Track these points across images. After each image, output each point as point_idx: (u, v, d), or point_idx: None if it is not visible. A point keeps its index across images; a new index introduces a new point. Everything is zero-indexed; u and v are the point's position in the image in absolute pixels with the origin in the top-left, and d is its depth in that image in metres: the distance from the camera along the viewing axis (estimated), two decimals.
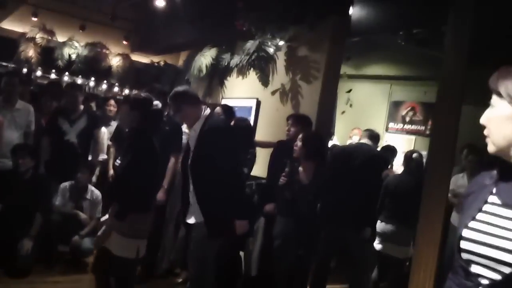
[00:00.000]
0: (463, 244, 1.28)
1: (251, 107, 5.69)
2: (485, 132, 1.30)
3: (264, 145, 4.58)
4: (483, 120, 1.30)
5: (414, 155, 4.54)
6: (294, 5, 4.70)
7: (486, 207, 1.29)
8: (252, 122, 5.59)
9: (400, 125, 7.99)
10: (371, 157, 4.11)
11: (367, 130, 4.43)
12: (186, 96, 3.18)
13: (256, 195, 4.51)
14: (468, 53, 3.09)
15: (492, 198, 1.30)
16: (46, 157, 4.75)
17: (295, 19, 4.75)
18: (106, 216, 3.16)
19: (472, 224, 1.29)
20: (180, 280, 4.61)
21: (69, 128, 4.82)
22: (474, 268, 1.26)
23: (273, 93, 5.29)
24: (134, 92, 3.46)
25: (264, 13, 4.88)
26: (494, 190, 1.31)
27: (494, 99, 1.28)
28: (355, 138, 8.23)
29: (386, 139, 7.92)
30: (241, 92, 5.96)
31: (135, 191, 2.98)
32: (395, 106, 8.10)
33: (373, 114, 8.02)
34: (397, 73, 7.72)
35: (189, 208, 3.21)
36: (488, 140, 1.30)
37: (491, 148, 1.29)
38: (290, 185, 3.74)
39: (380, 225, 4.39)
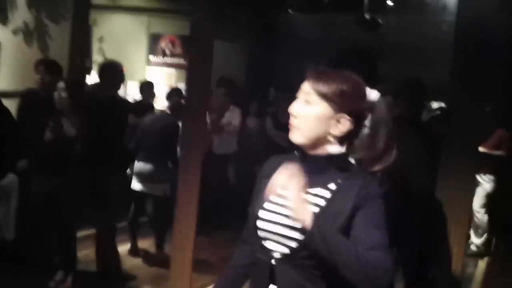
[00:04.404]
0: (259, 224, 1.43)
1: None
2: (295, 122, 1.40)
3: (9, 95, 4.06)
4: (295, 112, 1.40)
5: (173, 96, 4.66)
6: None
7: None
8: None
9: (160, 58, 8.02)
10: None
11: None
12: None
13: None
14: None
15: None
16: None
17: None
18: None
19: (266, 205, 1.44)
20: None
21: None
22: (268, 244, 1.42)
23: (15, 32, 4.66)
24: None
25: None
26: None
27: (313, 97, 1.38)
28: None
29: (148, 73, 7.90)
30: None
31: None
32: (155, 39, 8.04)
33: (133, 47, 7.83)
34: (154, 6, 7.61)
35: None
36: (295, 131, 1.41)
37: (298, 140, 1.41)
38: (56, 140, 3.45)
39: (137, 165, 4.45)
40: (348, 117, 1.39)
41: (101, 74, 3.94)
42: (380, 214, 1.35)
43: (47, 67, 3.83)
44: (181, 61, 7.81)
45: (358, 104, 1.41)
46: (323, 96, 1.38)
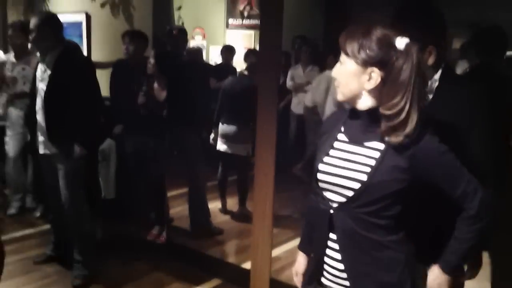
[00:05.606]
0: (320, 176, 1.55)
1: (81, 23, 5.31)
2: (336, 83, 1.52)
3: (102, 65, 4.39)
4: (334, 73, 1.52)
5: (250, 57, 4.72)
6: None
7: (336, 144, 1.56)
8: (85, 38, 5.28)
9: (239, 21, 8.12)
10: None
11: None
12: None
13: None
14: None
15: (341, 136, 1.57)
16: None
17: None
18: None
19: (326, 159, 1.55)
20: (38, 214, 4.55)
21: None
22: (328, 194, 1.54)
23: (103, 5, 4.97)
24: None
25: None
26: (342, 129, 1.57)
27: (343, 57, 1.47)
28: (198, 38, 8.24)
29: (228, 37, 8.05)
30: (68, 5, 5.47)
31: None
32: (233, 2, 8.13)
33: (212, 12, 7.99)
34: None
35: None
36: (338, 90, 1.52)
37: (340, 97, 1.52)
38: (148, 103, 3.76)
39: (222, 127, 4.65)
40: (379, 71, 1.42)
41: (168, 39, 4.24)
42: (449, 160, 1.44)
43: (132, 37, 4.06)
44: (258, 22, 7.83)
45: (383, 56, 1.40)
46: (347, 53, 1.44)
